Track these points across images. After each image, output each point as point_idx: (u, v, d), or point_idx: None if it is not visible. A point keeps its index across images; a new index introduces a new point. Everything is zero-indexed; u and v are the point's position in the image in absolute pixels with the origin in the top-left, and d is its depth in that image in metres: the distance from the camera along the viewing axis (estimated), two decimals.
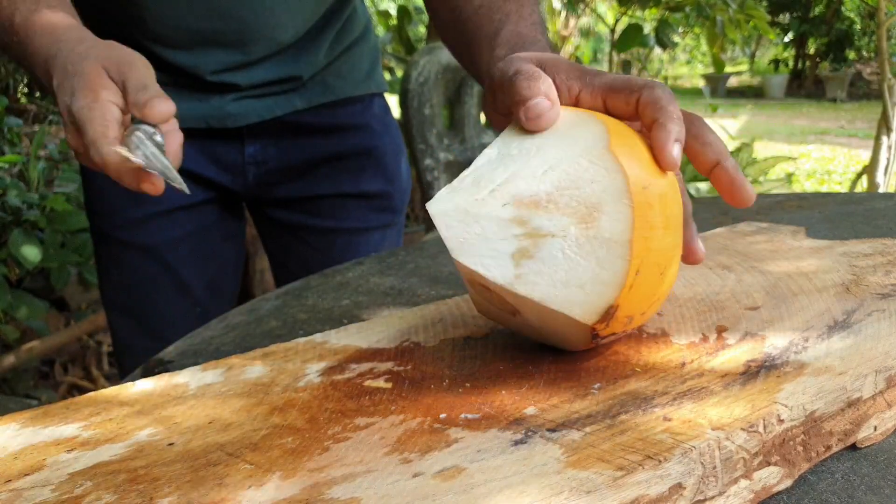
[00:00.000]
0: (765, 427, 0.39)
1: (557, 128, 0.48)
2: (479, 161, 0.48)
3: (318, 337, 0.58)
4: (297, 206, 1.03)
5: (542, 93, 0.48)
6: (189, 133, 0.93)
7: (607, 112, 0.50)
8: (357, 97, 1.02)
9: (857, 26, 9.14)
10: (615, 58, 4.72)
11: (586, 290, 0.45)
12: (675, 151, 0.46)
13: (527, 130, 0.48)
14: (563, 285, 0.45)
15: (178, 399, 0.49)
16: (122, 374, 1.02)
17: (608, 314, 0.45)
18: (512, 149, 0.48)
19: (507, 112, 0.51)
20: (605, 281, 0.45)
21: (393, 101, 3.74)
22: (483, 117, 2.96)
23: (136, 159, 0.58)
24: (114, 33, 0.76)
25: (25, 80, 4.59)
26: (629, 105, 0.49)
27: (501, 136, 0.50)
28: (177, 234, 0.98)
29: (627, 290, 0.45)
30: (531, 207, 0.46)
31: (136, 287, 0.99)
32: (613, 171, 0.45)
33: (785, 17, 9.72)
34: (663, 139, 0.46)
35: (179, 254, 0.98)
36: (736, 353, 0.48)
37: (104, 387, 0.58)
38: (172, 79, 0.90)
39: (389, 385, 0.49)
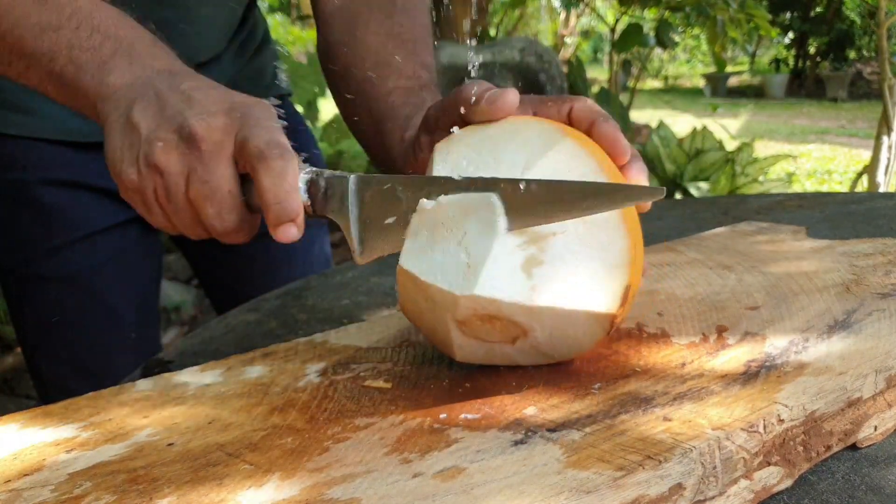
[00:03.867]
0: (765, 427, 0.39)
1: (500, 133, 0.48)
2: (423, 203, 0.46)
3: (318, 337, 0.58)
4: None
5: (489, 86, 0.50)
6: (102, 146, 0.88)
7: None
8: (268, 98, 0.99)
9: (858, 26, 9.13)
10: (615, 57, 4.71)
11: (600, 278, 0.45)
12: (625, 139, 0.50)
13: (468, 140, 0.49)
14: (578, 282, 0.44)
15: (178, 399, 0.49)
16: None
17: (626, 296, 0.45)
18: (464, 165, 0.47)
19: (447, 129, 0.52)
20: (615, 263, 0.45)
21: None
22: None
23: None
24: None
25: None
26: (560, 115, 0.52)
27: (433, 166, 0.48)
28: (98, 259, 0.89)
29: (632, 265, 0.46)
30: None
31: (61, 323, 0.90)
32: (585, 158, 0.47)
33: (785, 17, 9.71)
34: (612, 131, 0.50)
35: (104, 279, 0.90)
36: (736, 353, 0.48)
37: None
38: None
39: (389, 385, 0.48)
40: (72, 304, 0.89)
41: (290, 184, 0.48)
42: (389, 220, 0.48)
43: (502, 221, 0.44)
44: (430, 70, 0.70)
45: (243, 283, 1.00)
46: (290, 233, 0.49)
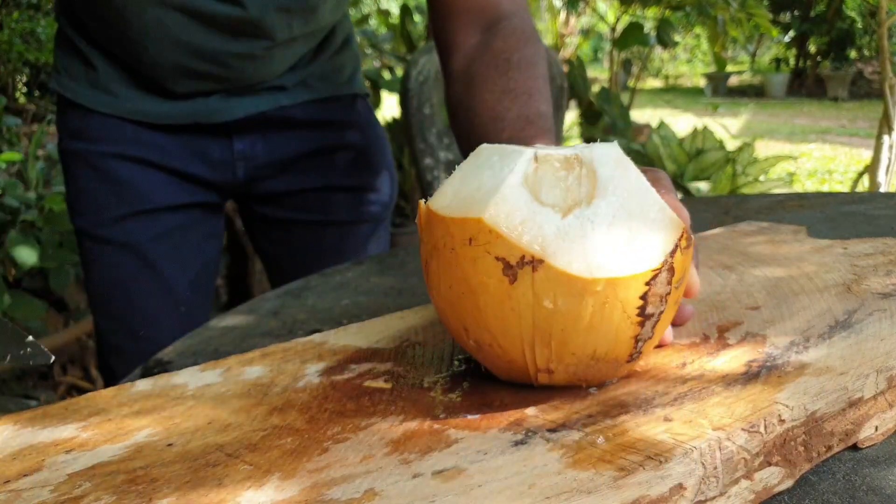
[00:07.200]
0: (766, 427, 0.39)
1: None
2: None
3: (317, 337, 0.58)
4: (284, 201, 1.04)
5: None
6: (176, 129, 0.96)
7: None
8: (341, 96, 1.04)
9: (859, 25, 9.12)
10: (616, 56, 4.71)
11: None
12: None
13: None
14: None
15: (177, 400, 0.49)
16: (110, 377, 1.01)
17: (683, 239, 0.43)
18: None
19: None
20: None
21: (393, 100, 3.73)
22: None
23: None
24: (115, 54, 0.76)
25: (24, 80, 4.56)
26: None
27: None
28: (158, 231, 0.97)
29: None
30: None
31: (117, 285, 0.99)
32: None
33: (786, 16, 9.71)
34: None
35: (161, 250, 0.98)
36: (737, 353, 0.47)
37: (103, 387, 0.58)
38: (146, 87, 0.93)
39: (389, 385, 0.48)
40: (130, 270, 0.98)
41: None
42: None
43: None
44: (544, 117, 0.74)
45: (302, 268, 1.04)
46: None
